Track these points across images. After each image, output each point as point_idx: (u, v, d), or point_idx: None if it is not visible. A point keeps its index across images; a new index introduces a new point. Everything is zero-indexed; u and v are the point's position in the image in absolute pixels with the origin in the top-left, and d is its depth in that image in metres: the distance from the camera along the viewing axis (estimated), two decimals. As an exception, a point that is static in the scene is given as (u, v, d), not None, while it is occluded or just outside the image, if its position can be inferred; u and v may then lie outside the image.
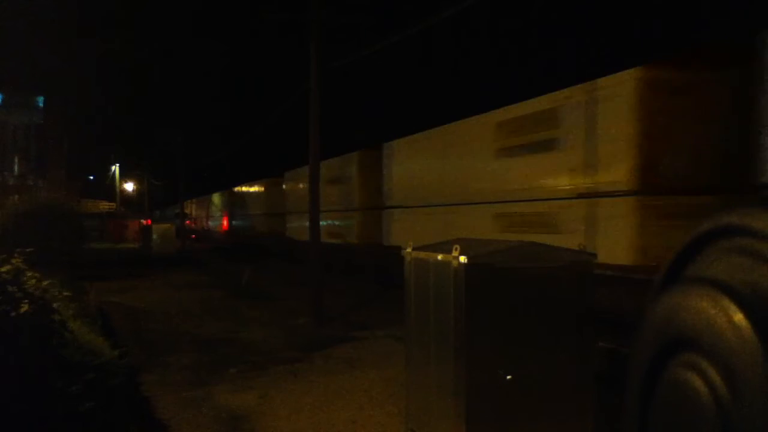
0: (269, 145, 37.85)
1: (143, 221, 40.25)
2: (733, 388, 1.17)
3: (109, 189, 54.94)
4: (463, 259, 3.95)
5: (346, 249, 17.29)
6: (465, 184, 12.03)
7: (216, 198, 44.54)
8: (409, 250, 4.81)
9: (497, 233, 10.31)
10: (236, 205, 36.94)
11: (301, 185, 21.09)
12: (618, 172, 8.15)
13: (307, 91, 11.16)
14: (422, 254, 4.59)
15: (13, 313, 3.77)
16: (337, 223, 17.97)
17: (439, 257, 4.26)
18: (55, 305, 5.03)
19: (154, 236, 28.71)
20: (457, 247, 4.05)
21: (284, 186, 25.70)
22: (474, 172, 11.72)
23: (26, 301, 3.99)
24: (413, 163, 14.37)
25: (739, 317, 1.17)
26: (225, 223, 40.74)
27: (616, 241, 8.07)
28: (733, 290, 1.22)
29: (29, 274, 4.76)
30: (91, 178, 58.55)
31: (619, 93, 8.19)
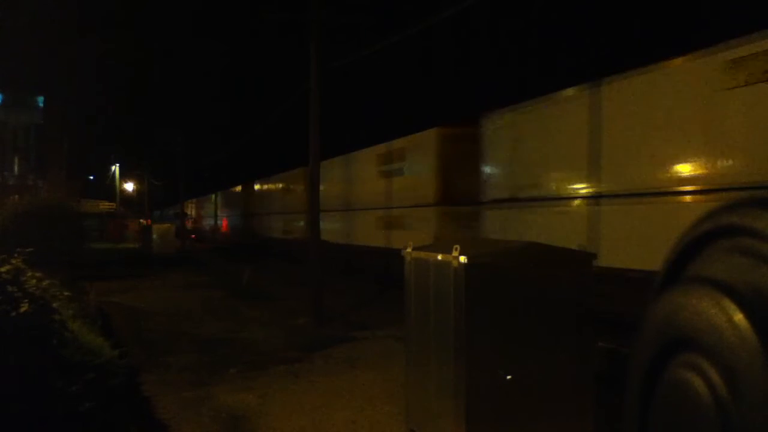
0: (269, 145, 37.83)
1: (143, 221, 40.25)
2: (734, 388, 1.17)
3: (109, 189, 54.93)
4: (463, 259, 3.95)
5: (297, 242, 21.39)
6: (359, 195, 18.25)
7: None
8: (409, 250, 4.80)
9: (377, 229, 16.52)
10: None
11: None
12: (429, 191, 13.89)
13: (307, 91, 11.16)
14: (422, 254, 4.59)
15: (13, 313, 3.77)
16: (293, 222, 23.92)
17: (439, 257, 4.26)
18: (55, 305, 5.03)
19: (154, 236, 28.73)
20: (457, 247, 4.04)
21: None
22: (364, 187, 17.99)
23: (26, 301, 4.00)
24: (330, 179, 18.35)
25: (739, 317, 1.17)
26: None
27: (428, 232, 13.18)
28: (733, 290, 1.22)
29: (29, 274, 4.77)
30: (91, 178, 58.57)
31: (428, 142, 14.07)
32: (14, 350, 3.62)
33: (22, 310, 3.85)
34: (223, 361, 7.72)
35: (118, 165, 53.83)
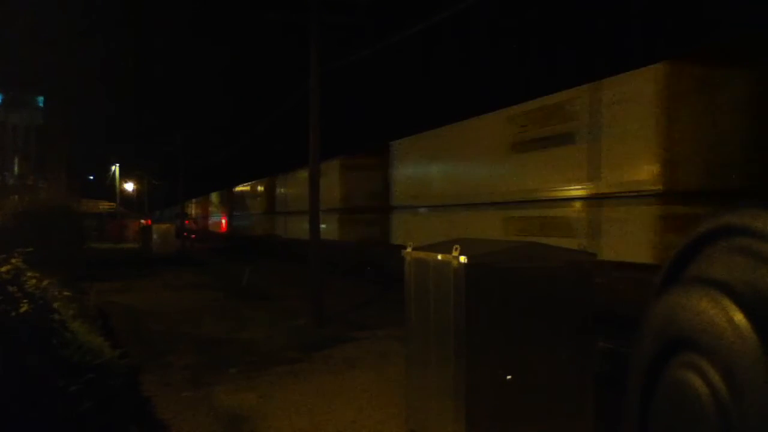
0: (269, 145, 37.84)
1: (143, 221, 40.27)
2: (733, 388, 1.17)
3: (109, 189, 54.96)
4: (463, 259, 3.95)
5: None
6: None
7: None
8: (409, 250, 4.80)
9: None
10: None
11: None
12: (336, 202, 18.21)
13: (307, 91, 11.16)
14: (422, 254, 4.59)
15: (13, 313, 3.77)
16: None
17: (439, 257, 4.26)
18: (55, 305, 5.04)
19: (154, 236, 28.70)
20: (457, 247, 4.05)
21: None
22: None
23: (26, 301, 4.00)
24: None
25: (739, 317, 1.17)
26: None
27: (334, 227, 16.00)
28: (733, 290, 1.22)
29: (29, 274, 4.77)
30: (91, 178, 58.58)
31: (333, 169, 18.34)
32: (14, 350, 3.62)
33: (22, 310, 3.85)
34: (223, 361, 7.72)
35: (118, 165, 53.84)
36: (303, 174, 18.91)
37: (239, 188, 36.32)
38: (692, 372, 1.32)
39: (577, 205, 8.81)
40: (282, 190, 27.02)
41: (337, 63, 12.41)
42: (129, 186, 59.13)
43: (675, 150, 7.20)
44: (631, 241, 7.67)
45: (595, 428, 4.21)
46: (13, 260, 4.59)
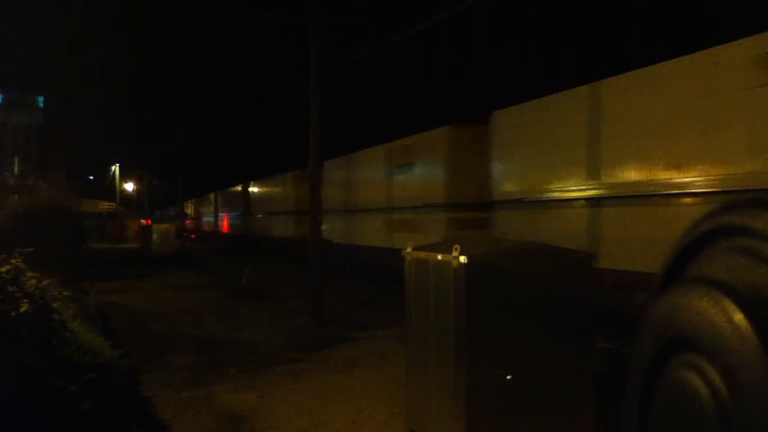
0: (269, 144, 37.83)
1: (143, 221, 40.26)
2: (733, 388, 1.17)
3: (109, 189, 54.93)
4: (463, 259, 3.95)
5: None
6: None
7: (216, 198, 44.56)
8: (409, 250, 4.80)
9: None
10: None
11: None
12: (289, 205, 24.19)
13: (307, 91, 11.16)
14: (422, 254, 4.59)
15: (13, 313, 3.77)
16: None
17: (439, 257, 4.26)
18: (54, 305, 5.03)
19: (154, 236, 28.71)
20: (457, 247, 4.05)
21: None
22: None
23: (26, 301, 4.00)
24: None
25: (739, 317, 1.17)
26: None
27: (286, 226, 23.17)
28: (733, 290, 1.22)
29: (29, 274, 4.77)
30: (91, 178, 58.55)
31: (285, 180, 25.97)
32: (14, 350, 3.62)
33: (22, 310, 3.84)
34: (223, 361, 7.72)
35: (118, 165, 53.81)
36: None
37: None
38: (692, 372, 1.32)
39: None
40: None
41: (337, 63, 12.40)
42: (129, 186, 59.10)
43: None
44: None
45: (595, 428, 4.21)
46: (13, 260, 4.59)
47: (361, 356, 7.95)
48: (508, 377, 3.99)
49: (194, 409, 5.82)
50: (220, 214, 43.06)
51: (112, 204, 52.44)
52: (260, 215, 31.06)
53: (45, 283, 5.05)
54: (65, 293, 6.72)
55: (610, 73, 9.21)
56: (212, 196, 46.10)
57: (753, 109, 6.98)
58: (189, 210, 53.47)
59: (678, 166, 7.91)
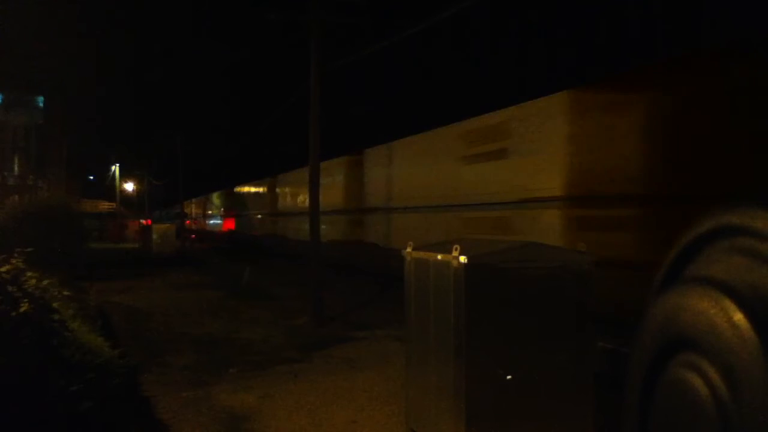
0: (269, 145, 37.84)
1: (143, 221, 40.26)
2: (733, 388, 1.17)
3: (109, 189, 54.92)
4: (463, 259, 3.95)
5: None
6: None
7: (216, 198, 44.58)
8: (409, 250, 4.80)
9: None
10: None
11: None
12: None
13: (307, 91, 11.16)
14: (422, 254, 4.59)
15: (13, 313, 3.77)
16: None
17: (439, 257, 4.26)
18: (54, 305, 5.04)
19: (154, 236, 28.71)
20: (457, 247, 4.05)
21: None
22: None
23: (26, 300, 4.00)
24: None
25: (739, 317, 1.17)
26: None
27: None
28: (733, 290, 1.22)
29: (29, 274, 4.77)
30: (91, 178, 58.54)
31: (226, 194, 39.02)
32: (14, 350, 3.62)
33: (22, 309, 3.85)
34: (223, 361, 7.72)
35: (118, 165, 53.79)
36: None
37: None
38: (692, 372, 1.32)
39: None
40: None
41: (337, 63, 12.40)
42: (129, 186, 59.08)
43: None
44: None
45: (595, 428, 4.21)
46: (13, 260, 4.59)
47: (361, 356, 7.95)
48: (508, 377, 3.99)
49: (194, 409, 5.82)
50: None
51: (112, 204, 52.43)
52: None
53: (45, 283, 5.05)
54: (65, 293, 6.73)
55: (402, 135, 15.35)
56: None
57: (452, 165, 12.35)
58: (189, 210, 53.47)
59: (416, 195, 14.23)
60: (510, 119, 10.49)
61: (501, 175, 10.67)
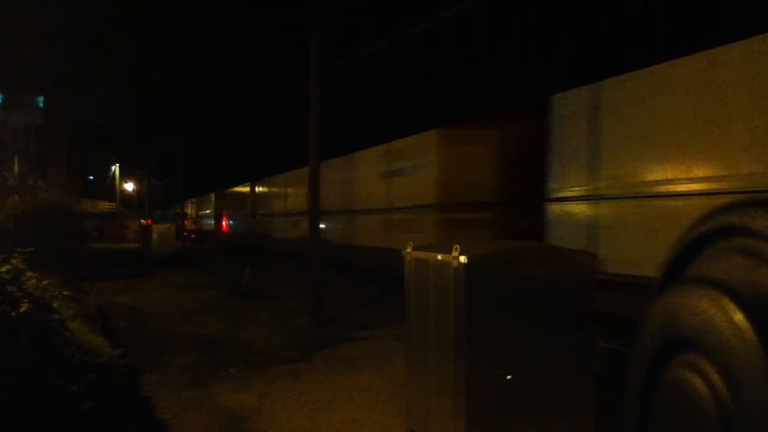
0: (269, 144, 37.85)
1: (143, 221, 40.24)
2: (733, 388, 1.17)
3: (109, 189, 54.91)
4: (463, 259, 3.95)
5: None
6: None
7: (216, 198, 44.58)
8: (409, 249, 4.80)
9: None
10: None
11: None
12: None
13: (307, 91, 11.16)
14: (422, 254, 4.59)
15: (13, 313, 3.77)
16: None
17: (439, 257, 4.26)
18: (54, 305, 5.03)
19: (154, 236, 28.69)
20: (457, 247, 4.05)
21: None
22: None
23: (26, 300, 3.99)
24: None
25: (739, 317, 1.17)
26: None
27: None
28: (733, 290, 1.22)
29: (29, 274, 4.76)
30: (91, 178, 58.51)
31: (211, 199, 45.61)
32: (14, 350, 3.61)
33: (22, 310, 3.84)
34: (223, 361, 7.72)
35: (118, 165, 53.78)
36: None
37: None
38: (692, 372, 1.32)
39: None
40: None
41: (337, 63, 12.40)
42: (129, 186, 59.07)
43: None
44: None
45: (595, 428, 4.21)
46: (13, 260, 4.59)
47: (361, 356, 7.95)
48: (508, 377, 3.99)
49: (194, 409, 5.82)
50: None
51: (112, 204, 52.43)
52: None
53: (45, 283, 5.04)
54: (65, 293, 6.72)
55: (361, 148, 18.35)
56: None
57: (372, 180, 16.73)
58: (189, 210, 53.46)
59: (348, 201, 18.42)
60: (407, 146, 15.09)
61: (402, 188, 15.08)
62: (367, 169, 17.70)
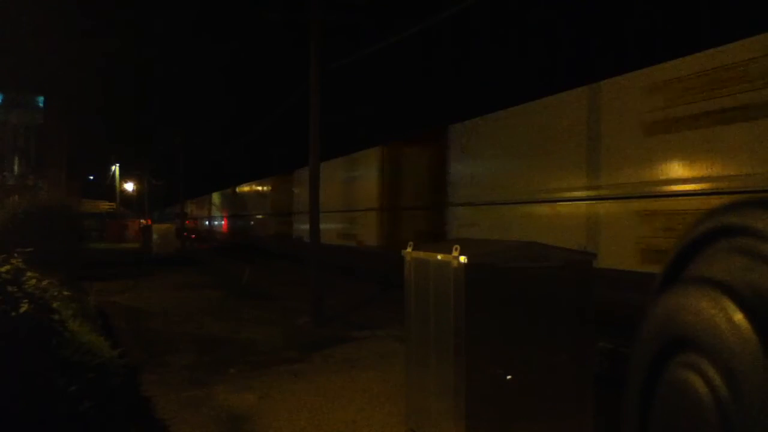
0: (269, 144, 37.86)
1: (143, 221, 40.26)
2: (733, 388, 1.17)
3: (109, 189, 54.90)
4: (463, 259, 3.95)
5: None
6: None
7: (216, 198, 44.60)
8: (409, 250, 4.80)
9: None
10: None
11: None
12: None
13: (307, 91, 11.16)
14: (422, 254, 4.59)
15: (13, 313, 3.77)
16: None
17: (439, 257, 4.26)
18: (54, 305, 5.04)
19: (154, 236, 28.69)
20: (457, 247, 4.05)
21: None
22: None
23: (26, 300, 3.99)
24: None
25: (739, 317, 1.17)
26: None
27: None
28: (733, 290, 1.22)
29: (29, 274, 4.76)
30: (91, 178, 58.50)
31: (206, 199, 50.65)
32: (14, 350, 3.61)
33: (22, 310, 3.84)
34: (223, 361, 7.72)
35: (118, 165, 53.76)
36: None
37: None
38: (692, 372, 1.32)
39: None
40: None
41: (337, 63, 12.41)
42: (129, 186, 59.05)
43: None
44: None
45: (595, 428, 4.21)
46: (13, 260, 4.59)
47: (360, 356, 7.95)
48: (508, 377, 3.99)
49: (194, 409, 5.82)
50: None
51: (112, 204, 52.43)
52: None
53: (45, 283, 5.05)
54: (65, 293, 6.73)
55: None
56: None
57: (338, 185, 18.94)
58: (189, 210, 53.47)
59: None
60: (361, 157, 18.06)
61: (358, 193, 18.01)
62: (331, 176, 19.18)
